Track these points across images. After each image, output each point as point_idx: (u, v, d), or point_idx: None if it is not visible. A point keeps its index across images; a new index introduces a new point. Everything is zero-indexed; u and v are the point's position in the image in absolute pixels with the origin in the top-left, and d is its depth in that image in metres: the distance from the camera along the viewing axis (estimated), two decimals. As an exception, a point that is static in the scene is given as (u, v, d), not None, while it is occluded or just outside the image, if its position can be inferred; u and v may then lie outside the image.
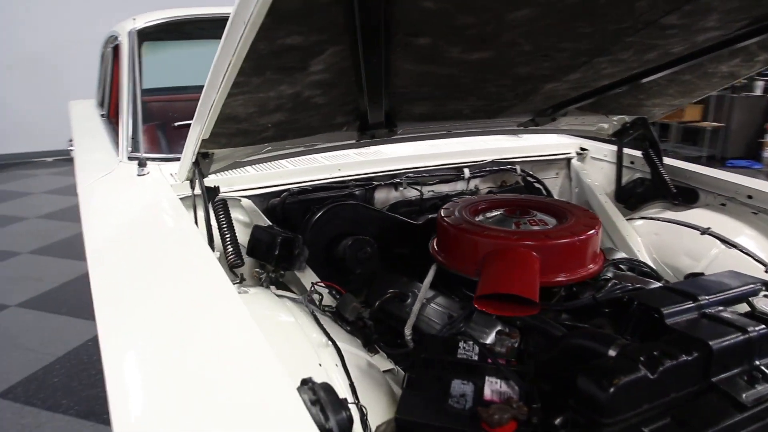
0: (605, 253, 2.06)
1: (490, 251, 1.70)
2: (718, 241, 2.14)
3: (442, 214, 1.91)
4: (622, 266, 2.02)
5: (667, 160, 2.53)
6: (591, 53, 1.60)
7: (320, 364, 1.35)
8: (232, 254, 1.63)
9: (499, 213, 1.93)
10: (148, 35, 2.77)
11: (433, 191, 2.44)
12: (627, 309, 1.48)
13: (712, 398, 1.16)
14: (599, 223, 1.84)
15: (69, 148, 3.42)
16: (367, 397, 1.31)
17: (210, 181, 2.03)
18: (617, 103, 2.25)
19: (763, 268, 1.98)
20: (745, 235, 2.16)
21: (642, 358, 1.14)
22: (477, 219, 1.88)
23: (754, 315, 1.34)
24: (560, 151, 2.80)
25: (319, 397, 1.05)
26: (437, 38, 1.32)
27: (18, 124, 8.82)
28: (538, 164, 2.73)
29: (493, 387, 1.19)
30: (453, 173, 2.47)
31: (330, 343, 1.44)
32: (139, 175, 2.13)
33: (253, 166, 2.27)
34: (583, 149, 2.93)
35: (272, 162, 2.30)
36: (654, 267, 2.11)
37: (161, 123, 2.97)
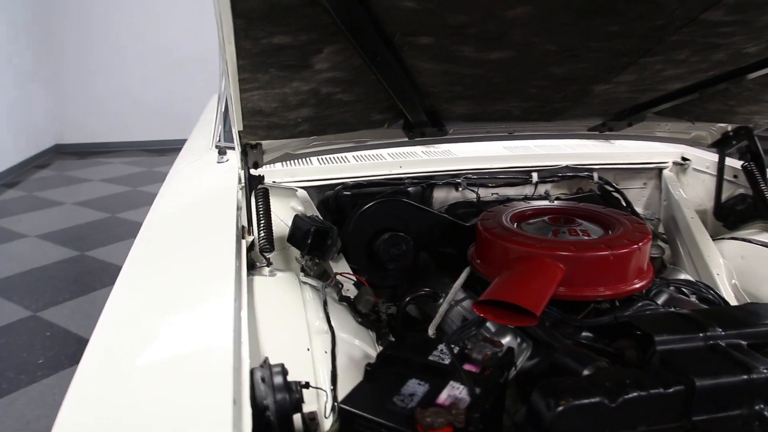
0: (670, 272, 1.89)
1: (514, 258, 1.65)
2: (813, 272, 1.85)
3: (482, 218, 1.88)
4: (684, 289, 1.84)
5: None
6: (633, 53, 1.48)
7: (308, 349, 1.42)
8: (263, 239, 1.75)
9: (540, 220, 1.85)
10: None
11: (497, 194, 2.38)
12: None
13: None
14: (648, 237, 1.69)
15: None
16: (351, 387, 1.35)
17: (270, 172, 2.19)
18: (702, 109, 2.03)
19: None
20: None
21: (606, 384, 1.06)
22: (517, 226, 1.83)
23: (778, 356, 1.16)
24: (652, 159, 2.57)
25: (266, 376, 1.13)
26: (439, 37, 1.32)
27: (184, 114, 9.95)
28: (623, 172, 2.54)
29: (452, 392, 1.17)
30: (520, 176, 2.39)
31: (329, 330, 1.51)
32: (218, 163, 2.35)
33: (319, 160, 2.40)
34: (685, 159, 2.66)
35: (336, 156, 2.41)
36: (725, 293, 1.88)
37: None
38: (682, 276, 1.89)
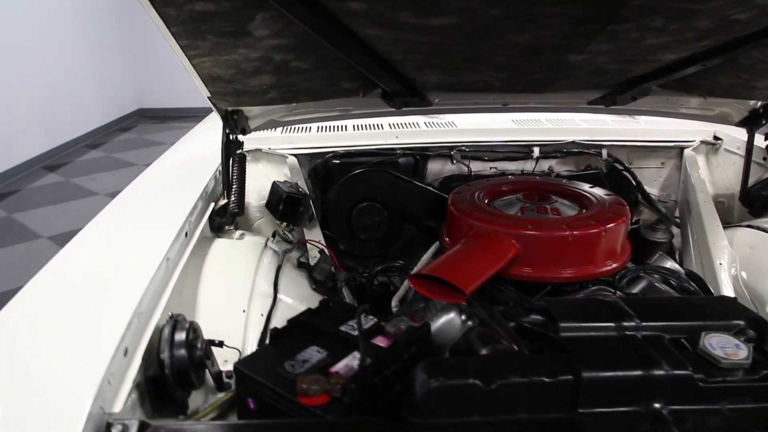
0: (657, 259, 1.77)
1: (470, 234, 1.61)
2: (824, 268, 1.66)
3: (455, 192, 1.84)
4: (672, 281, 1.72)
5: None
6: (596, 20, 1.37)
7: (244, 311, 1.47)
8: (233, 203, 1.80)
9: (514, 197, 1.78)
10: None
11: (495, 168, 2.30)
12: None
13: (564, 431, 0.99)
14: (620, 220, 1.59)
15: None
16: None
17: (267, 138, 2.24)
18: (712, 82, 1.84)
19: None
20: None
21: (485, 367, 1.02)
22: (489, 202, 1.77)
23: (696, 354, 1.07)
24: (675, 138, 2.37)
25: (171, 331, 1.18)
26: (371, 3, 1.28)
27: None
28: (638, 150, 2.36)
29: (351, 362, 1.17)
30: (520, 151, 2.28)
31: (273, 294, 1.54)
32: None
33: (318, 128, 2.42)
34: (717, 138, 2.44)
35: (336, 125, 2.42)
36: (724, 284, 1.74)
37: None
38: (669, 264, 1.75)
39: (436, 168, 2.27)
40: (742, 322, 1.13)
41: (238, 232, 1.85)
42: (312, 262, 1.78)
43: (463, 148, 2.24)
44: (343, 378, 1.09)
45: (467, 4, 1.28)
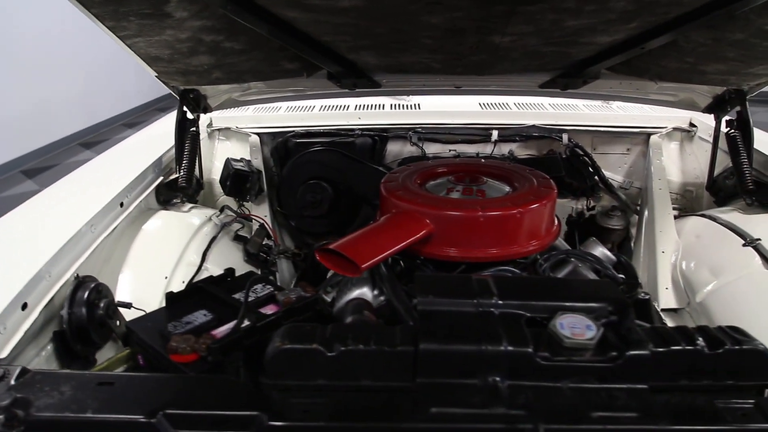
0: (587, 245, 1.78)
1: (388, 213, 1.66)
2: (758, 259, 1.62)
3: (391, 172, 1.88)
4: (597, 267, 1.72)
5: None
6: (501, 1, 1.38)
7: (166, 277, 1.56)
8: (182, 177, 1.89)
9: (446, 179, 1.80)
10: None
11: (455, 150, 2.31)
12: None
13: (404, 399, 1.04)
14: (540, 202, 1.60)
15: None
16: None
17: (236, 117, 2.33)
18: (659, 66, 1.81)
19: None
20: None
21: (326, 335, 1.08)
22: (421, 183, 1.80)
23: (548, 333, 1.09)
24: (645, 124, 2.32)
25: (74, 290, 1.29)
26: None
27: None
28: (603, 136, 2.32)
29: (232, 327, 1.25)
30: (480, 134, 2.29)
31: (198, 263, 1.63)
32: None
33: (288, 107, 2.49)
34: (692, 126, 2.37)
35: (305, 104, 2.48)
36: (661, 273, 1.73)
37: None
38: (599, 250, 1.74)
39: (395, 149, 2.31)
40: (606, 305, 1.14)
41: (189, 206, 1.94)
42: (239, 235, 1.86)
43: (420, 129, 2.26)
44: (211, 339, 1.17)
45: (364, -14, 1.32)
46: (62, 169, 6.21)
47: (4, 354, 1.10)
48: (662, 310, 1.73)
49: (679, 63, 1.78)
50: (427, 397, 1.03)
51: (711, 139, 2.27)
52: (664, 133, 2.30)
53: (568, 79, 1.93)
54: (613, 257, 1.76)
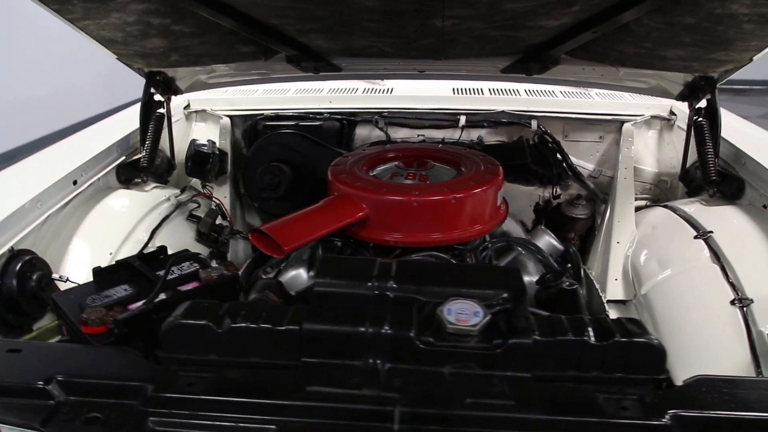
0: (534, 233, 1.77)
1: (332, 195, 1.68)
2: (707, 252, 1.58)
3: (342, 156, 1.89)
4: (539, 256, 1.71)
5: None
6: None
7: (111, 253, 1.62)
8: (144, 158, 1.94)
9: (394, 164, 1.81)
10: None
11: (423, 135, 2.30)
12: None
13: (288, 377, 1.06)
14: (479, 188, 1.59)
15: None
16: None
17: (210, 100, 2.38)
18: (617, 52, 1.76)
19: (731, 298, 1.43)
20: (761, 252, 1.54)
21: (219, 312, 1.11)
22: (369, 168, 1.81)
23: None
24: (621, 111, 2.26)
25: (6, 262, 1.35)
26: None
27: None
28: (574, 123, 2.27)
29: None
30: (447, 119, 2.27)
31: (146, 240, 1.69)
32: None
33: (264, 89, 2.52)
34: (672, 114, 2.30)
35: (278, 87, 2.51)
36: (612, 264, 1.70)
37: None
38: (545, 238, 1.72)
39: (364, 134, 2.31)
40: (501, 293, 1.14)
41: (152, 185, 2.00)
42: (193, 214, 1.91)
43: (386, 114, 2.26)
44: (120, 312, 1.21)
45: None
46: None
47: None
48: (608, 301, 1.70)
49: (636, 48, 1.73)
50: (308, 376, 1.05)
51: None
52: (639, 121, 2.23)
53: (528, 64, 1.90)
54: (559, 246, 1.74)
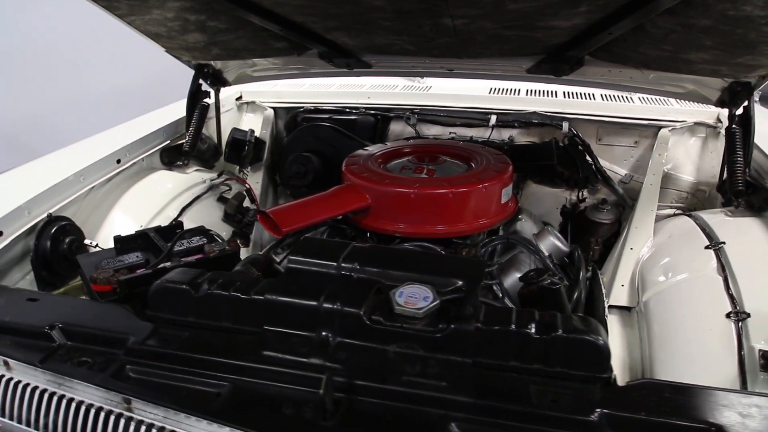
0: (541, 233, 1.78)
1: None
2: (714, 262, 1.53)
3: (362, 149, 1.98)
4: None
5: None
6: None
7: (141, 226, 1.80)
8: (187, 143, 2.12)
9: (407, 159, 1.87)
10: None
11: (455, 134, 2.33)
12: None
13: (251, 342, 1.16)
14: (478, 185, 1.63)
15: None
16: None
17: (259, 93, 2.55)
18: (640, 54, 1.72)
19: (728, 310, 1.38)
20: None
21: (198, 279, 1.23)
22: (383, 162, 1.89)
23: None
24: (656, 116, 2.18)
25: (44, 226, 1.56)
26: None
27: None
28: (609, 127, 2.21)
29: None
30: (478, 118, 2.28)
31: (175, 217, 1.86)
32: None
33: (309, 83, 2.66)
34: (719, 121, 2.19)
35: (324, 82, 2.63)
36: (622, 271, 1.68)
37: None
38: (550, 239, 1.71)
39: (397, 129, 2.38)
40: (459, 282, 1.18)
41: (193, 168, 2.18)
42: (223, 196, 2.07)
43: (418, 111, 2.31)
44: (125, 275, 1.37)
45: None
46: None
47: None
48: (611, 306, 1.67)
49: (657, 50, 1.68)
50: (267, 342, 1.15)
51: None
52: (679, 127, 2.14)
53: (553, 65, 1.89)
54: (564, 248, 1.73)
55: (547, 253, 1.66)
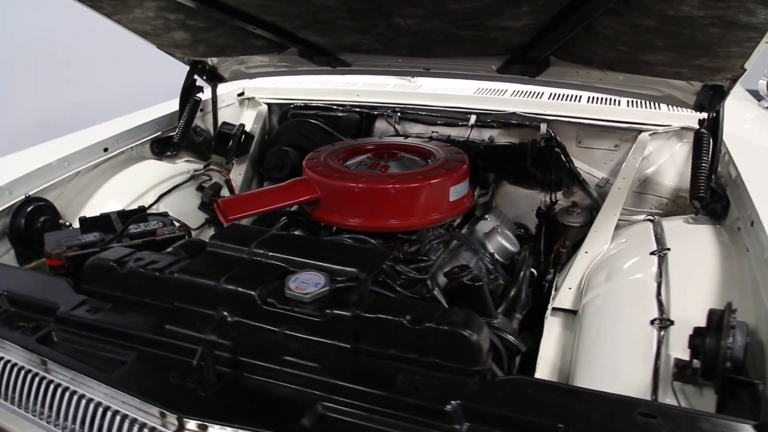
0: (490, 232, 1.79)
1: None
2: (654, 269, 1.50)
3: (324, 146, 2.04)
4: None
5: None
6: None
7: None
8: (177, 134, 2.25)
9: (366, 156, 1.92)
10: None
11: (437, 132, 2.35)
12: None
13: (163, 317, 1.25)
14: (422, 182, 1.67)
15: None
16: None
17: (256, 89, 2.66)
18: (598, 55, 1.70)
19: (654, 317, 1.35)
20: (709, 276, 1.43)
21: (126, 257, 1.33)
22: (344, 159, 1.94)
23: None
24: (632, 119, 2.12)
25: (20, 205, 1.71)
26: None
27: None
28: (589, 129, 2.17)
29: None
30: (458, 117, 2.29)
31: (151, 203, 1.99)
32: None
33: (308, 80, 2.74)
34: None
35: (319, 79, 2.71)
36: (571, 275, 1.67)
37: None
38: (497, 238, 1.71)
39: (382, 127, 2.42)
40: (355, 271, 1.23)
41: (183, 158, 2.31)
42: (201, 185, 2.18)
43: (398, 110, 2.35)
44: (74, 251, 1.49)
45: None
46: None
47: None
48: (555, 309, 1.65)
49: (614, 51, 1.65)
50: (173, 318, 1.23)
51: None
52: (660, 131, 2.07)
53: (520, 65, 1.89)
54: (512, 248, 1.74)
55: (492, 252, 1.67)
